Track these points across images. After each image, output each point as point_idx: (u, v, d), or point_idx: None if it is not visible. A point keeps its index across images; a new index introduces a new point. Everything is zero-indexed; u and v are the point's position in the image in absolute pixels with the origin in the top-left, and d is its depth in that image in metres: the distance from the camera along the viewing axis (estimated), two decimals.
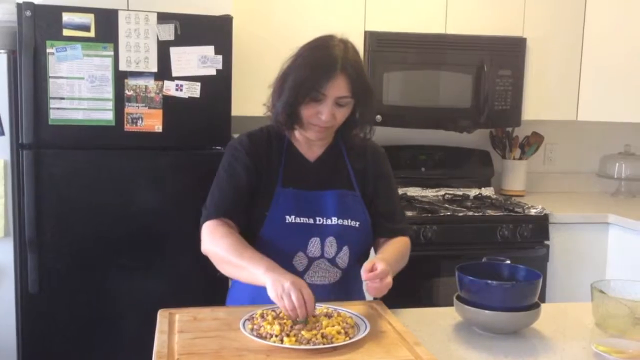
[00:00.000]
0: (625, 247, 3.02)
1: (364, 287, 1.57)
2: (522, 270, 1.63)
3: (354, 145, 1.75)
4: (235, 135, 2.86)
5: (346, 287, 1.71)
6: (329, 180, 1.71)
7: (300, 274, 1.64)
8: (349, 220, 1.68)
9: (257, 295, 1.55)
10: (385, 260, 1.54)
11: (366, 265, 1.52)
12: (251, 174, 1.68)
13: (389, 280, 1.50)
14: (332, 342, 1.33)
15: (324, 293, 1.63)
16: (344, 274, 1.69)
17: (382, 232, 1.75)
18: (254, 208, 1.67)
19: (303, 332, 1.35)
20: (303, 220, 1.66)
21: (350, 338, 1.36)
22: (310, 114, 1.62)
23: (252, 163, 1.68)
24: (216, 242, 1.60)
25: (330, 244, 1.66)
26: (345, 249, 1.68)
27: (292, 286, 1.39)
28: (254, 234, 1.66)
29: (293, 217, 1.65)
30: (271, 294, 1.42)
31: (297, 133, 1.72)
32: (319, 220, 1.66)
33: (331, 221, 1.67)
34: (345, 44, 1.66)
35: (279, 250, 1.63)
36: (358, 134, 1.73)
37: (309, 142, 1.73)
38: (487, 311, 1.50)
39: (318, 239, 1.66)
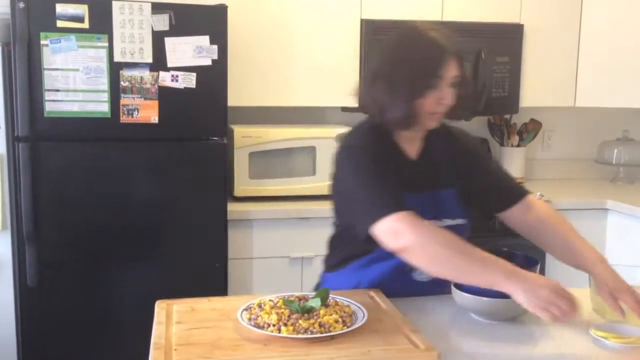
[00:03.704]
0: (624, 232, 3.02)
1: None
2: (520, 257, 1.63)
3: (446, 135, 1.70)
4: (233, 126, 2.89)
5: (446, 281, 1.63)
6: (432, 178, 1.65)
7: (409, 272, 1.62)
8: (459, 219, 1.63)
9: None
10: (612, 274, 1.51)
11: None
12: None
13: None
14: (329, 331, 1.33)
15: (428, 288, 1.62)
16: None
17: (511, 198, 1.68)
18: None
19: (301, 322, 1.35)
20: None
21: (348, 327, 1.35)
22: (430, 102, 1.55)
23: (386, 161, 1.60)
24: (431, 238, 1.43)
25: None
26: None
27: (555, 295, 1.33)
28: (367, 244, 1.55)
29: None
30: (528, 305, 1.34)
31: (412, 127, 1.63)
32: (434, 223, 1.54)
33: (445, 222, 1.61)
34: (427, 26, 1.60)
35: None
36: (458, 115, 1.66)
37: (409, 138, 1.66)
38: (485, 298, 1.49)
39: None
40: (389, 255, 1.57)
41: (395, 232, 1.44)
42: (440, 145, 1.70)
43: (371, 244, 1.54)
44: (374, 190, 1.51)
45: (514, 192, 1.72)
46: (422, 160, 1.68)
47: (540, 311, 1.33)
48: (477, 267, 1.40)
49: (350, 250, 1.68)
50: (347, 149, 1.62)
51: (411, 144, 1.67)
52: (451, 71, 1.55)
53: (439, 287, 1.61)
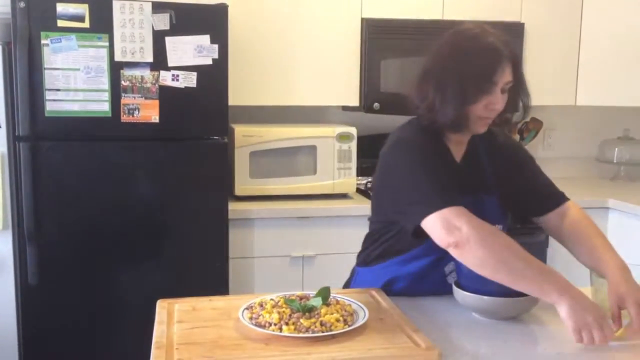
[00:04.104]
0: (625, 231, 3.02)
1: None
2: None
3: (490, 141, 1.69)
4: (234, 126, 2.89)
5: None
6: (474, 183, 1.64)
7: (445, 274, 1.64)
8: (498, 225, 1.60)
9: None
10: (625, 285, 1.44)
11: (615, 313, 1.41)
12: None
13: None
14: (331, 330, 1.33)
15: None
16: None
17: (549, 204, 1.68)
18: None
19: (302, 321, 1.35)
20: None
21: (349, 326, 1.36)
22: (481, 107, 1.53)
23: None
24: (491, 237, 1.41)
25: None
26: None
27: (595, 323, 1.33)
28: (413, 238, 1.55)
29: None
30: (568, 322, 1.35)
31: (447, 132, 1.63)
32: None
33: None
34: (485, 28, 1.57)
35: (434, 252, 1.56)
36: (510, 120, 1.65)
37: (456, 141, 1.65)
38: (486, 297, 1.49)
39: None
40: (425, 255, 1.60)
41: (450, 225, 1.40)
42: (483, 150, 1.70)
43: (412, 242, 1.55)
44: (428, 183, 1.48)
45: (553, 198, 1.71)
46: (466, 164, 1.67)
47: (575, 331, 1.34)
48: (533, 274, 1.38)
49: (387, 247, 1.68)
50: (399, 143, 1.60)
51: (457, 147, 1.66)
52: (505, 77, 1.53)
53: None
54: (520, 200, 1.72)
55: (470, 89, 1.51)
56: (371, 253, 1.73)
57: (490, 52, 1.51)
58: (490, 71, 1.51)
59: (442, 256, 1.57)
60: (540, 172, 1.76)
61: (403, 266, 1.65)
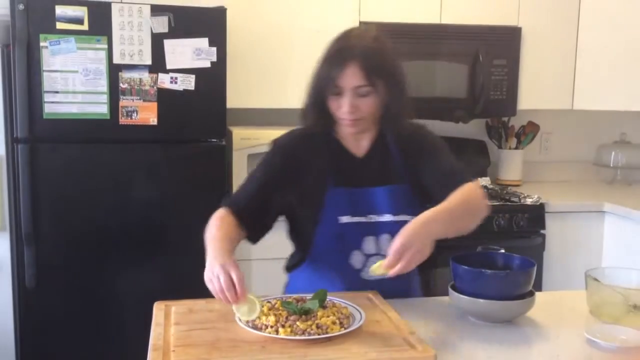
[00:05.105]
0: (621, 235, 3.03)
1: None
2: (517, 259, 1.63)
3: (398, 133, 1.70)
4: (232, 128, 2.89)
5: (406, 280, 1.69)
6: (379, 175, 1.67)
7: (357, 272, 1.65)
8: (403, 215, 1.63)
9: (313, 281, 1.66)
10: (404, 234, 1.40)
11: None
12: (281, 175, 1.66)
13: (408, 256, 1.39)
14: (327, 333, 1.34)
15: (380, 287, 1.62)
16: None
17: (449, 186, 1.60)
18: (305, 209, 1.65)
19: (298, 323, 1.36)
20: (357, 219, 1.63)
21: (345, 328, 1.36)
22: (334, 108, 1.60)
23: (286, 164, 1.66)
24: (208, 230, 1.63)
25: (387, 240, 1.62)
26: None
27: (221, 269, 1.42)
28: (309, 236, 1.64)
29: (347, 217, 1.63)
30: (205, 278, 1.44)
31: (340, 129, 1.68)
32: (373, 218, 1.64)
33: (385, 218, 1.64)
34: (364, 32, 1.62)
35: (335, 250, 1.62)
36: (397, 123, 1.67)
37: (355, 137, 1.68)
38: (481, 300, 1.50)
39: (373, 237, 1.64)
40: (329, 257, 1.65)
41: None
42: (392, 143, 1.70)
43: (305, 244, 1.66)
44: (241, 185, 1.71)
45: (452, 180, 1.62)
46: (369, 157, 1.69)
47: (209, 284, 1.43)
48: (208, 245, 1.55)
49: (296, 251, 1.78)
50: (273, 141, 1.74)
51: (356, 143, 1.70)
52: (350, 80, 1.55)
53: (389, 284, 1.58)
54: (426, 186, 1.68)
55: (319, 89, 1.60)
56: (294, 256, 1.81)
57: (336, 56, 1.57)
58: (333, 74, 1.56)
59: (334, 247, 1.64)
60: (447, 157, 1.70)
61: (317, 269, 1.70)
